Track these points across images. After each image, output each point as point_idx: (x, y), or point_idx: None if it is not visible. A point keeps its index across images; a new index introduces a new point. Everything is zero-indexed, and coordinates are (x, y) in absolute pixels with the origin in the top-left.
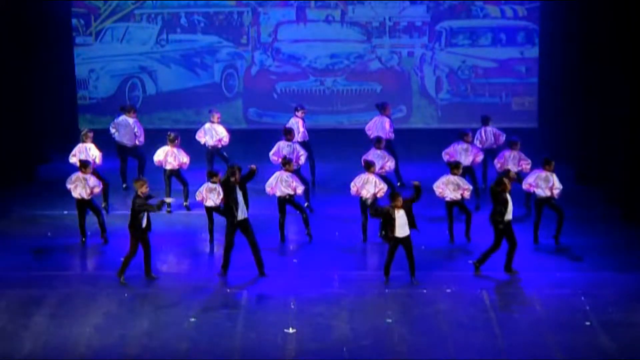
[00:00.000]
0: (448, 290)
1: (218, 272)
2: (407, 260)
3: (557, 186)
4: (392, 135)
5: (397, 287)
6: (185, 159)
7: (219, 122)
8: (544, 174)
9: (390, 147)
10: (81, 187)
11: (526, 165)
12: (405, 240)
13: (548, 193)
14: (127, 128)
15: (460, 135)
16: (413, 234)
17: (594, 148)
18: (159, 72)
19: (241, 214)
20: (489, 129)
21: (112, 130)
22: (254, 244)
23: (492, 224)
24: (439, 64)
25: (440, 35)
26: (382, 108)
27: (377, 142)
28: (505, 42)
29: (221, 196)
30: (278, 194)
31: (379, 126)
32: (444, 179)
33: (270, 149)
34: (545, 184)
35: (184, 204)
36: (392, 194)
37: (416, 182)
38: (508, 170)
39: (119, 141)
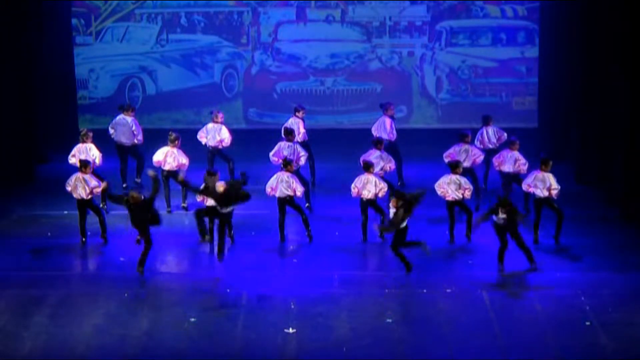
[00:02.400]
0: (448, 290)
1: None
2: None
3: (555, 186)
4: (392, 136)
5: (397, 288)
6: (184, 160)
7: (222, 122)
8: (541, 174)
9: (393, 147)
10: (81, 187)
11: (522, 166)
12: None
13: (546, 193)
14: (125, 127)
15: (460, 137)
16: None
17: (594, 148)
18: (159, 72)
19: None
20: (490, 129)
21: (111, 131)
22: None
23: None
24: (439, 63)
25: (441, 35)
26: (385, 108)
27: (377, 142)
28: (506, 41)
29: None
30: (278, 194)
31: (381, 126)
32: (445, 178)
33: (270, 149)
34: (542, 184)
35: (182, 204)
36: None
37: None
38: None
39: (117, 141)
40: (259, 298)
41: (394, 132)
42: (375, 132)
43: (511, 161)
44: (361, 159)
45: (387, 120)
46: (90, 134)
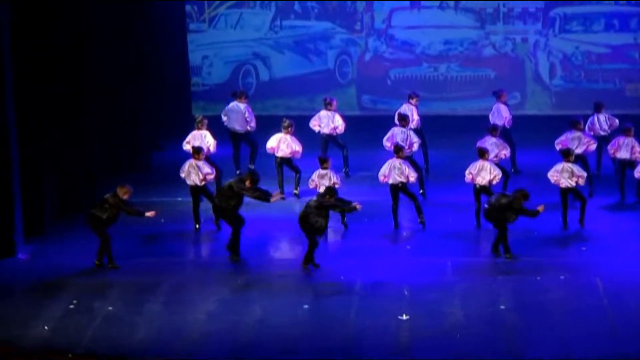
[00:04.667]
0: (562, 277)
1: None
2: None
3: None
4: (510, 122)
5: (510, 274)
6: (297, 147)
7: (335, 110)
8: None
9: (507, 134)
10: (194, 173)
11: (639, 153)
12: None
13: None
14: (237, 114)
15: (571, 124)
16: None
17: None
18: (273, 59)
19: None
20: (601, 115)
21: (224, 118)
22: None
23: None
24: (553, 50)
25: (554, 21)
26: (497, 95)
27: (492, 129)
28: (619, 27)
29: (332, 181)
30: (391, 181)
31: (496, 113)
32: (558, 166)
33: (383, 136)
34: None
35: (294, 191)
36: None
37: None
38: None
39: (230, 127)
40: (372, 285)
41: (510, 118)
42: (491, 119)
43: (627, 148)
44: (477, 145)
45: (502, 107)
46: (206, 121)
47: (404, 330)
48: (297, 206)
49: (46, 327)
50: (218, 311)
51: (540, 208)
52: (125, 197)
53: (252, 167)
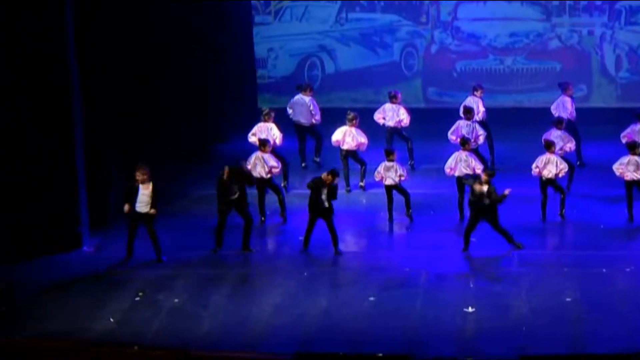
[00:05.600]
0: (627, 270)
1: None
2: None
3: None
4: (574, 115)
5: (576, 266)
6: (363, 139)
7: (400, 103)
8: None
9: (572, 127)
10: (260, 166)
11: None
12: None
13: None
14: (302, 107)
15: (637, 116)
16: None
17: None
18: (338, 51)
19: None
20: None
21: (289, 111)
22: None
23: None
24: (619, 42)
25: (620, 13)
26: (564, 88)
27: (557, 122)
28: None
29: (398, 173)
30: (457, 174)
31: (560, 106)
32: (624, 159)
33: (449, 129)
34: None
35: (360, 184)
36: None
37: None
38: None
39: (295, 120)
40: (437, 277)
41: (574, 111)
42: (555, 111)
43: None
44: (542, 138)
45: (567, 100)
46: (273, 114)
47: (469, 322)
48: (363, 199)
49: (112, 319)
50: (283, 304)
51: (507, 192)
52: (140, 177)
53: (317, 159)
